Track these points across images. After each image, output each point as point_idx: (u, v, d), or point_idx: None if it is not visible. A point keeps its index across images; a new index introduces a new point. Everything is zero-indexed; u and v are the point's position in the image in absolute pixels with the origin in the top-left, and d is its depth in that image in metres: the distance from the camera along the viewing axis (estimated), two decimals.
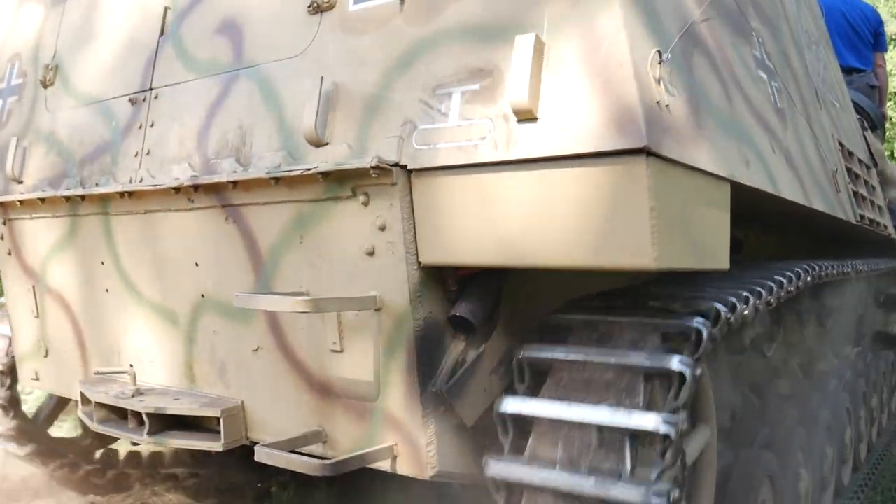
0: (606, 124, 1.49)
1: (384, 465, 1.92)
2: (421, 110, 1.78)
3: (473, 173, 1.68)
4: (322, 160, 1.90)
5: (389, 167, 1.77)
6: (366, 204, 1.86)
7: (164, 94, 2.45)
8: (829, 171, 3.24)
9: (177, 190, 2.25)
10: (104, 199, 2.55)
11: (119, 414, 2.52)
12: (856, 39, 5.60)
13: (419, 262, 1.82)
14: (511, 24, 1.66)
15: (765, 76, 2.54)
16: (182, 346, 2.44)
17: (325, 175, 1.87)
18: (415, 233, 1.81)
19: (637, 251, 1.49)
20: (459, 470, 1.96)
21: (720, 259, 1.83)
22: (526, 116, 1.58)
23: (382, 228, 1.84)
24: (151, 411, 2.31)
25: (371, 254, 1.88)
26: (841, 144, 3.72)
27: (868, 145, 4.68)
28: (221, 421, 2.22)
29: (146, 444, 2.32)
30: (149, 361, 2.58)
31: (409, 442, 1.91)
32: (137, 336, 2.61)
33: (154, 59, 2.51)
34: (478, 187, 1.68)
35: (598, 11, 1.55)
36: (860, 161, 4.27)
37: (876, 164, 4.73)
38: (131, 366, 2.63)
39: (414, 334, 1.84)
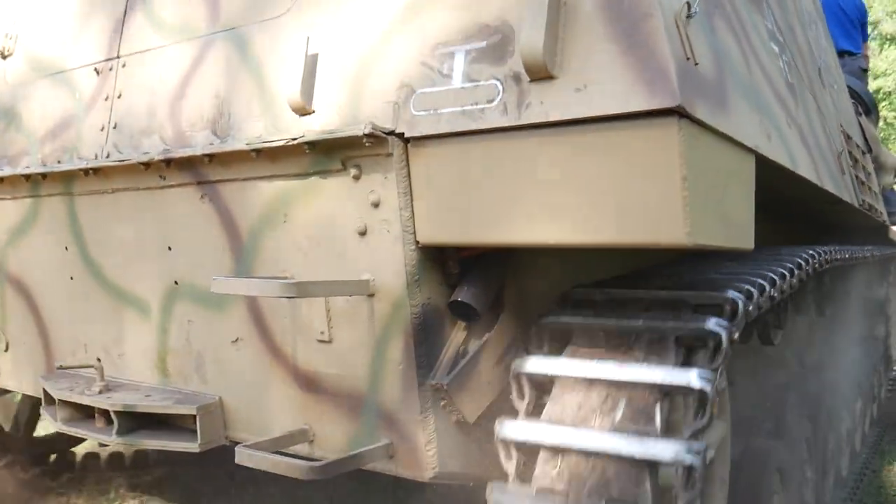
0: (633, 82, 1.31)
1: (379, 465, 1.74)
2: (420, 72, 1.59)
3: (480, 141, 1.50)
4: (308, 130, 1.71)
5: (384, 135, 1.58)
6: (357, 178, 1.67)
7: (133, 62, 2.24)
8: (834, 152, 3.10)
9: (146, 165, 2.04)
10: (68, 177, 2.33)
11: (85, 412, 2.32)
12: (847, 22, 5.51)
13: (417, 242, 1.63)
14: None
15: (776, 49, 2.39)
16: (154, 337, 2.24)
17: (312, 146, 1.67)
18: (412, 209, 1.62)
19: (668, 226, 1.32)
20: (461, 470, 1.79)
21: (746, 238, 1.67)
22: (540, 75, 1.40)
23: (376, 205, 1.65)
24: (120, 409, 2.10)
25: (363, 233, 1.69)
26: (841, 127, 3.60)
27: (863, 130, 4.59)
28: (198, 419, 2.03)
29: (114, 444, 2.12)
30: (118, 355, 2.37)
31: (406, 440, 1.73)
32: (105, 327, 2.39)
33: (121, 24, 2.29)
34: (485, 157, 1.50)
35: None
36: (857, 145, 4.16)
37: (871, 150, 4.64)
38: (98, 359, 2.43)
39: (412, 322, 1.66)
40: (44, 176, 2.37)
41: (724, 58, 1.67)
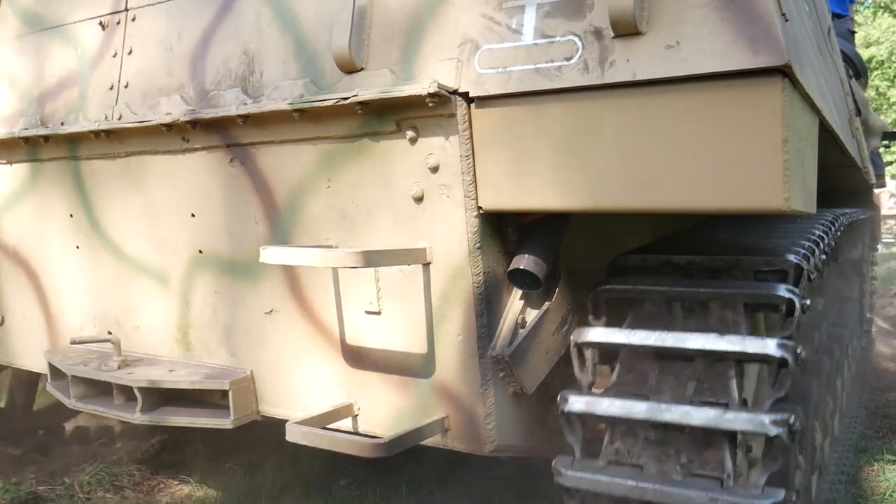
0: (734, 39, 1.23)
1: (435, 440, 1.68)
2: (484, 27, 1.48)
3: (555, 101, 1.41)
4: (358, 88, 1.59)
5: (448, 95, 1.48)
6: (413, 140, 1.57)
7: (144, 15, 2.07)
8: (844, 115, 3.09)
9: (168, 127, 1.90)
10: (73, 140, 2.17)
11: (101, 388, 2.19)
12: None
13: (479, 208, 1.55)
14: None
15: (806, 6, 2.34)
16: (174, 309, 2.12)
17: (365, 105, 1.56)
18: (474, 173, 1.53)
19: (765, 190, 1.26)
20: (518, 442, 1.74)
21: (813, 202, 1.62)
22: (627, 31, 1.31)
23: (434, 169, 1.55)
24: (144, 385, 1.99)
25: (419, 199, 1.59)
26: (845, 90, 3.59)
27: (853, 93, 4.60)
28: (230, 395, 1.93)
29: (139, 422, 2.01)
30: (133, 328, 2.25)
31: (463, 414, 1.66)
32: (117, 299, 2.26)
33: None
34: (561, 118, 1.41)
35: None
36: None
37: (860, 113, 4.66)
38: (109, 332, 2.30)
39: (472, 291, 1.58)
40: (46, 138, 2.20)
41: (792, 14, 1.60)
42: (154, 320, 2.19)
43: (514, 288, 1.67)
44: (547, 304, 1.68)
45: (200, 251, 2.01)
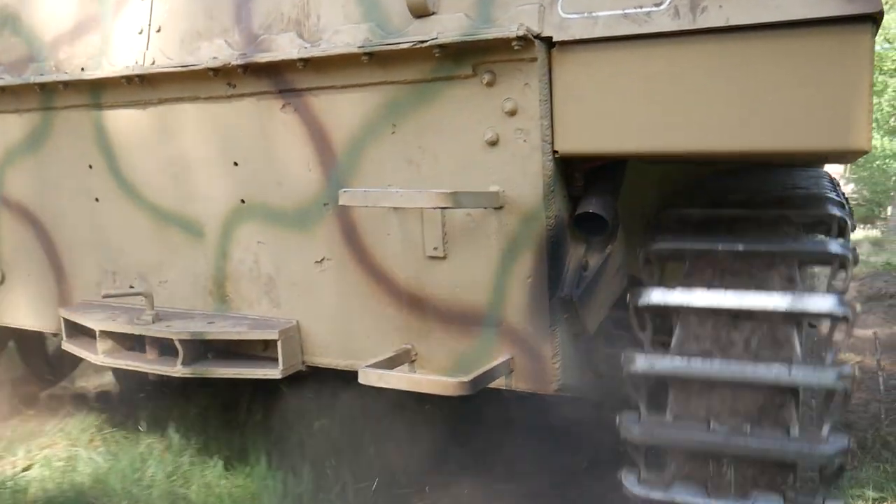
0: None
1: (499, 382, 1.71)
2: None
3: (644, 46, 1.44)
4: (424, 32, 1.59)
5: (533, 39, 1.49)
6: (490, 84, 1.58)
7: None
8: None
9: (215, 72, 1.84)
10: (97, 86, 2.07)
11: (130, 344, 2.13)
12: None
13: (555, 152, 1.58)
14: None
15: None
16: (210, 261, 2.07)
17: (443, 49, 1.56)
18: (552, 118, 1.56)
19: (853, 132, 1.33)
20: (575, 383, 1.79)
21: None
22: None
23: (512, 113, 1.57)
24: (186, 337, 1.95)
25: (494, 143, 1.61)
26: None
27: None
28: (279, 344, 1.91)
29: (181, 376, 1.95)
30: (159, 282, 2.18)
31: (530, 355, 1.70)
32: (142, 253, 2.19)
33: None
34: (648, 63, 1.45)
35: None
36: None
37: None
38: (131, 287, 2.23)
39: (545, 234, 1.62)
40: (65, 85, 2.09)
41: None
42: (185, 273, 2.13)
43: (578, 232, 1.72)
44: (609, 247, 1.74)
45: (243, 201, 1.97)
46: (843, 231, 1.69)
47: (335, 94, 1.75)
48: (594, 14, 1.47)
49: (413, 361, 1.85)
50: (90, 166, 2.19)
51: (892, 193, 16.18)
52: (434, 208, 1.63)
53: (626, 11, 1.44)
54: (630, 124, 1.49)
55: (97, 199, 2.22)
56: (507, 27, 1.49)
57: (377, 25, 1.68)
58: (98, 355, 2.10)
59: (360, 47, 1.63)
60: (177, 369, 1.96)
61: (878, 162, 16.23)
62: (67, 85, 2.09)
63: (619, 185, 1.74)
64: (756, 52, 1.36)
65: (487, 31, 1.51)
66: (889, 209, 16.93)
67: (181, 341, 1.95)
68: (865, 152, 1.36)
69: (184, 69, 1.86)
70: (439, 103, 1.65)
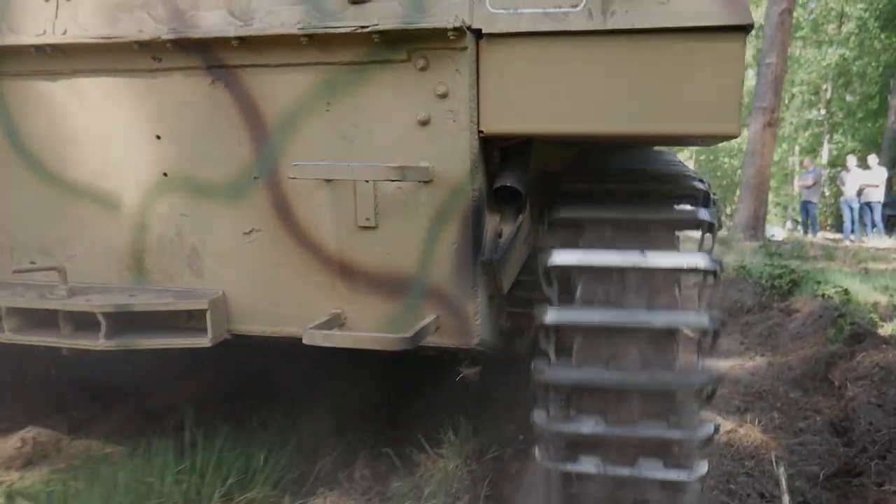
0: (712, 2, 1.59)
1: (431, 338, 1.89)
2: None
3: (560, 41, 1.67)
4: (362, 17, 1.71)
5: (465, 30, 1.67)
6: (424, 69, 1.73)
7: None
8: None
9: (140, 45, 1.83)
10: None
11: (39, 320, 2.06)
12: None
13: (480, 132, 1.77)
14: None
15: None
16: (126, 234, 2.05)
17: (382, 35, 1.69)
18: (478, 101, 1.75)
19: (725, 120, 1.65)
20: (489, 339, 2.02)
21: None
22: None
23: (443, 96, 1.74)
24: (111, 310, 1.93)
25: (425, 123, 1.77)
26: None
27: None
28: (208, 313, 1.96)
29: (103, 348, 1.92)
30: (66, 257, 2.12)
31: (454, 313, 1.90)
32: (46, 227, 2.12)
33: None
34: (563, 56, 1.68)
35: None
36: None
37: None
38: (32, 263, 2.15)
39: (471, 205, 1.81)
40: None
41: None
42: (96, 247, 2.09)
43: (494, 203, 1.93)
44: (521, 216, 1.97)
45: (165, 174, 1.97)
46: (706, 202, 2.04)
47: (269, 71, 1.82)
48: (519, 11, 1.67)
49: (342, 325, 1.98)
50: None
51: (737, 192, 17.62)
52: (383, 181, 1.76)
53: (547, 11, 1.66)
54: (546, 108, 1.72)
55: None
56: (443, 18, 1.65)
57: (314, 8, 1.77)
58: (4, 333, 2.02)
59: (301, 29, 1.72)
60: (100, 343, 1.94)
61: (725, 158, 17.88)
62: None
63: (529, 161, 1.97)
64: (653, 51, 1.64)
65: (426, 20, 1.67)
66: (733, 207, 18.78)
67: (104, 314, 1.93)
68: (736, 136, 1.68)
69: (106, 41, 1.84)
70: (374, 84, 1.78)
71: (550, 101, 1.71)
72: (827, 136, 26.39)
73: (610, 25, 1.63)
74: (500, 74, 1.73)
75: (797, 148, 27.70)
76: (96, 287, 2.09)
